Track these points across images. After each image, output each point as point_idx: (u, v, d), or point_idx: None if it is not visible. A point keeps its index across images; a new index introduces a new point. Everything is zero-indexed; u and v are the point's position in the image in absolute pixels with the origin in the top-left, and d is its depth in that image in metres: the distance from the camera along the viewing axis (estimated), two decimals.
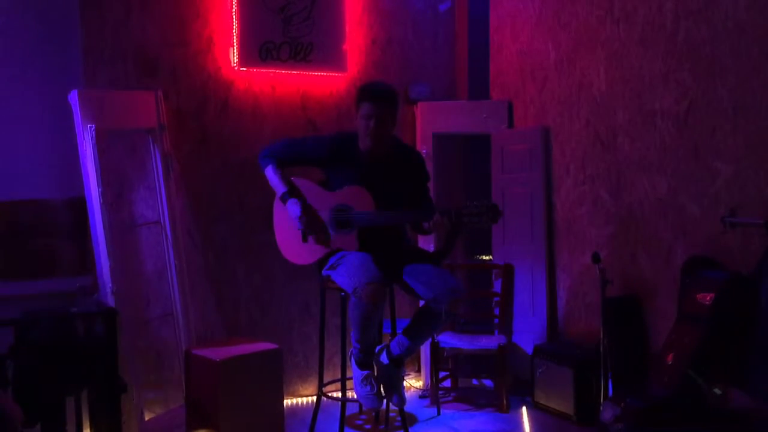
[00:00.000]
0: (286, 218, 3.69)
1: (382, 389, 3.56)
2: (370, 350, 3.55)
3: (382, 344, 3.65)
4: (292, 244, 3.70)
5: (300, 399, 4.68)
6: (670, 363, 3.51)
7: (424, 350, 4.79)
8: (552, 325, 4.73)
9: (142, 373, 4.06)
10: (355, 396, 3.61)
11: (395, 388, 3.56)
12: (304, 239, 3.63)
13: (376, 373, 3.56)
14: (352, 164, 3.60)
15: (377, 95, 3.56)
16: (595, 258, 3.75)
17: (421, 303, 3.58)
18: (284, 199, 3.60)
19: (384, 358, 3.57)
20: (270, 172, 3.67)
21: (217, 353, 3.67)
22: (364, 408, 3.59)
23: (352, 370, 3.59)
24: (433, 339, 4.41)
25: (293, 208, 3.56)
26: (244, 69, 4.51)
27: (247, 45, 4.48)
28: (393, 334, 3.76)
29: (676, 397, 3.31)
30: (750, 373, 3.25)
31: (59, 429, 3.27)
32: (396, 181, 3.60)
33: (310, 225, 3.56)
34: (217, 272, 4.48)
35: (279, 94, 4.65)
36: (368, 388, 3.52)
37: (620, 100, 4.21)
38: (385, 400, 3.60)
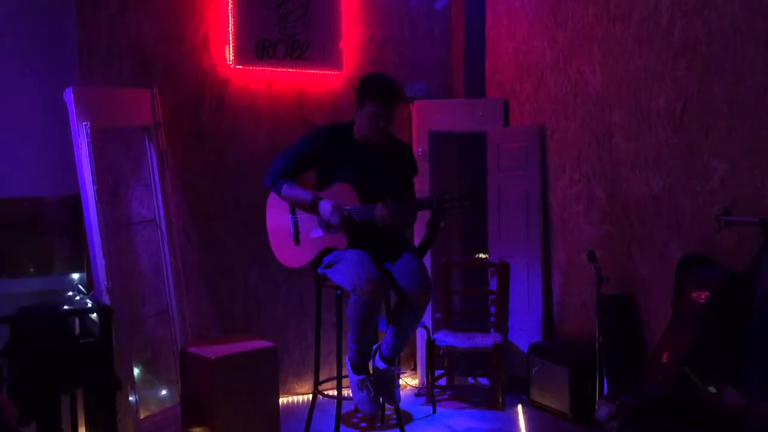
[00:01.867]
0: (278, 223, 3.72)
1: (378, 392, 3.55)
2: (368, 352, 3.54)
3: (375, 346, 3.67)
4: (285, 247, 3.72)
5: (296, 397, 4.68)
6: (665, 361, 3.52)
7: (420, 348, 4.79)
8: (548, 323, 4.74)
9: (138, 371, 4.05)
10: (351, 394, 3.61)
11: (390, 389, 3.56)
12: (296, 241, 3.65)
13: (372, 376, 3.56)
14: (346, 155, 3.61)
15: (390, 97, 3.52)
16: (591, 256, 3.75)
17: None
18: (316, 203, 3.53)
19: (378, 361, 3.59)
20: (287, 190, 3.61)
21: (213, 351, 3.66)
22: (362, 410, 3.60)
23: (349, 375, 3.58)
24: (429, 337, 4.42)
25: (325, 206, 3.50)
26: (240, 67, 4.50)
27: (243, 42, 4.48)
28: None
29: (671, 395, 3.32)
30: (744, 371, 3.26)
31: (54, 427, 3.26)
32: (387, 170, 3.62)
33: (342, 221, 3.49)
34: (213, 270, 4.47)
35: (275, 92, 4.65)
36: (365, 392, 3.50)
37: (616, 98, 4.22)
38: (381, 398, 3.60)
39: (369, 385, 3.50)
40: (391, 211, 3.41)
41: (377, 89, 3.52)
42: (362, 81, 3.61)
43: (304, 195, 3.58)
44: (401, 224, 3.63)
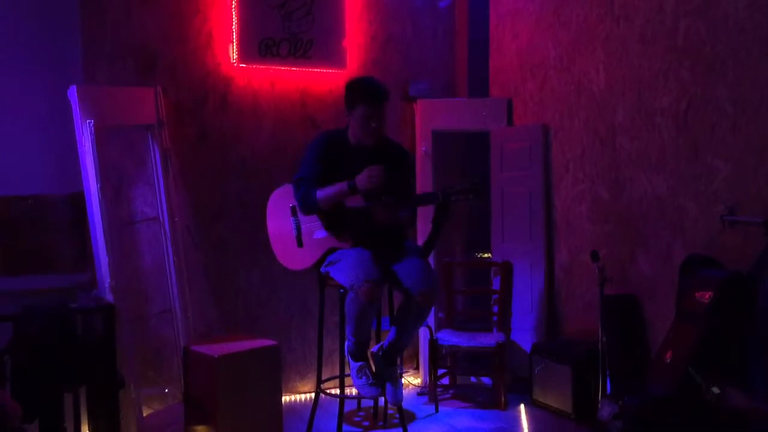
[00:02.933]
0: (280, 227, 3.74)
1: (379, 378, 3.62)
2: (364, 343, 3.62)
3: (379, 344, 3.73)
4: (288, 251, 3.73)
5: (298, 396, 4.68)
6: (668, 361, 3.51)
7: (423, 348, 4.79)
8: (551, 323, 4.73)
9: (141, 369, 4.06)
10: (353, 393, 3.64)
11: (393, 384, 3.62)
12: (299, 244, 3.67)
13: (374, 370, 3.62)
14: (344, 160, 3.63)
15: (377, 97, 3.56)
16: (594, 256, 3.75)
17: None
18: (352, 183, 3.50)
19: (380, 357, 3.65)
20: (320, 193, 3.57)
21: (216, 350, 3.67)
22: (362, 395, 3.66)
23: (349, 363, 3.65)
24: (432, 336, 4.42)
25: (361, 178, 3.49)
26: (244, 65, 4.51)
27: (246, 41, 4.48)
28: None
29: (674, 396, 3.31)
30: (748, 371, 3.26)
31: (57, 425, 3.27)
32: (386, 171, 3.60)
33: (380, 173, 3.48)
34: (216, 269, 4.48)
35: (278, 91, 4.65)
36: (364, 378, 3.59)
37: (620, 98, 4.21)
38: (382, 398, 3.63)
39: (367, 372, 3.60)
40: (389, 207, 3.43)
41: (364, 91, 3.58)
42: (348, 86, 3.66)
43: (338, 186, 3.55)
44: (401, 222, 3.63)
